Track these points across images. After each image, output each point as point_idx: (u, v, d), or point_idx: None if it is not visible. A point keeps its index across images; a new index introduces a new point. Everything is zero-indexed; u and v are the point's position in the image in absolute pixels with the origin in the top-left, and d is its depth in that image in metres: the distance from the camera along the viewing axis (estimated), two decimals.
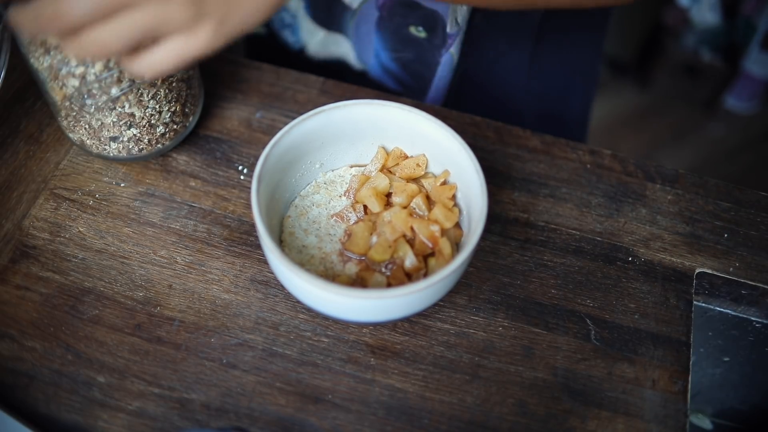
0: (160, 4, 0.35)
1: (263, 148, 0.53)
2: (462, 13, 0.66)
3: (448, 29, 0.67)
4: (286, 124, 0.56)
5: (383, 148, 0.57)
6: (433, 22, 0.67)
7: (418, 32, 0.69)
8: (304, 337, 0.52)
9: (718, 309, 0.62)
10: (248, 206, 0.58)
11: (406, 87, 0.75)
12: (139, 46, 0.36)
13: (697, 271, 0.58)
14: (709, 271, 0.58)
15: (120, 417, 0.48)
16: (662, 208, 0.61)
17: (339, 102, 0.53)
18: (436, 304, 0.54)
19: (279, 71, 0.67)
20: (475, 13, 0.67)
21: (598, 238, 0.59)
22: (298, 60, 0.78)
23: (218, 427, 0.48)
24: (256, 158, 0.60)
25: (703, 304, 0.61)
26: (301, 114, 0.53)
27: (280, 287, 0.54)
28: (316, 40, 0.76)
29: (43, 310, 0.52)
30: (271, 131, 0.63)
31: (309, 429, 0.49)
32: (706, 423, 0.77)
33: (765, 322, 0.61)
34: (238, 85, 0.66)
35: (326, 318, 0.53)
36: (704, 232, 0.60)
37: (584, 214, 0.60)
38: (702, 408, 0.77)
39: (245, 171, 0.60)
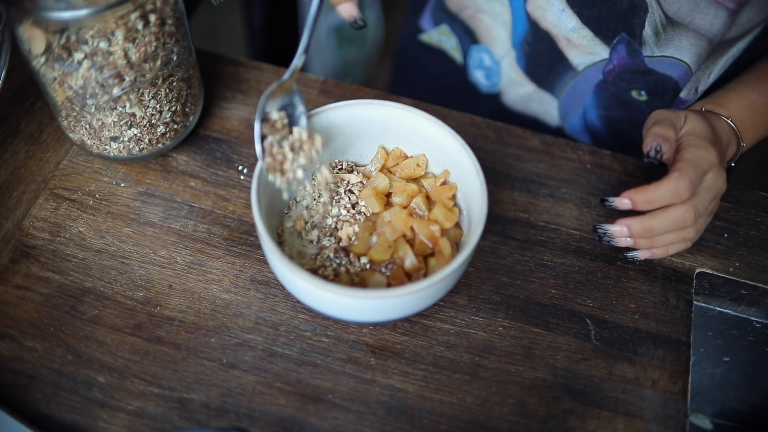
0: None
1: None
2: (706, 82, 0.67)
3: (682, 95, 0.68)
4: None
5: (383, 148, 0.57)
6: (662, 87, 0.68)
7: (639, 96, 0.70)
8: (304, 337, 0.52)
9: (718, 309, 0.62)
10: (248, 206, 0.58)
11: (600, 143, 0.77)
12: None
13: (697, 271, 0.58)
14: (709, 271, 0.58)
15: (120, 417, 0.48)
16: None
17: (339, 102, 0.53)
18: (436, 304, 0.54)
19: (279, 71, 0.67)
20: (724, 80, 0.68)
21: (598, 238, 0.59)
22: (482, 100, 0.80)
23: (218, 427, 0.48)
24: (256, 158, 0.60)
25: (703, 304, 0.61)
26: None
27: (280, 287, 0.54)
28: (520, 93, 0.77)
29: (43, 310, 0.52)
30: None
31: (309, 429, 0.49)
32: (706, 423, 0.77)
33: (765, 322, 0.61)
34: (238, 85, 0.66)
35: (326, 318, 0.53)
36: (704, 232, 0.60)
37: (584, 214, 0.60)
38: (702, 408, 0.77)
39: (245, 171, 0.60)
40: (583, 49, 0.67)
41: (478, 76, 0.79)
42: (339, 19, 1.37)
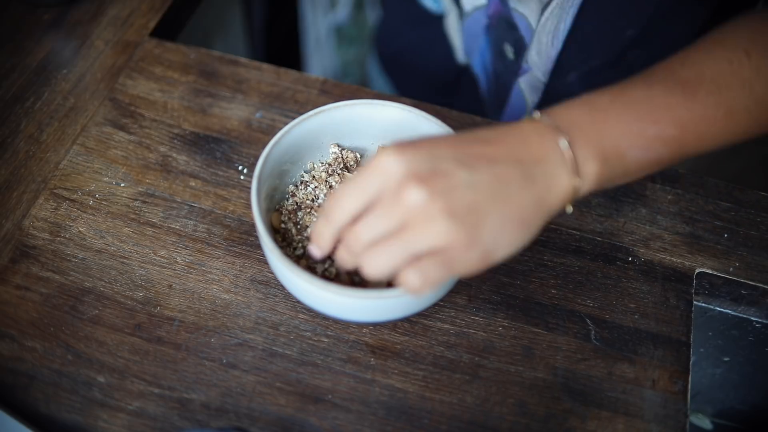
0: (420, 221, 0.37)
1: (263, 148, 0.53)
2: (541, 48, 0.67)
3: (524, 63, 0.68)
4: (286, 124, 0.56)
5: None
6: (521, 48, 0.68)
7: (509, 53, 0.71)
8: (304, 337, 0.52)
9: (718, 309, 0.62)
10: (248, 206, 0.58)
11: (490, 96, 0.78)
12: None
13: (697, 271, 0.58)
14: (709, 271, 0.58)
15: (120, 417, 0.48)
16: (662, 208, 0.61)
17: (339, 102, 0.53)
18: (436, 304, 0.54)
19: (279, 71, 0.67)
20: (566, 70, 0.68)
21: (598, 238, 0.59)
22: (433, 23, 0.82)
23: (218, 427, 0.48)
24: (256, 158, 0.60)
25: (703, 304, 0.61)
26: (301, 114, 0.53)
27: (280, 287, 0.54)
28: (449, 20, 0.79)
29: (43, 310, 0.52)
30: (271, 131, 0.63)
31: (309, 429, 0.49)
32: (706, 423, 0.77)
33: (765, 322, 0.61)
34: (238, 85, 0.66)
35: (326, 318, 0.53)
36: (704, 232, 0.60)
37: (584, 214, 0.60)
38: (702, 408, 0.77)
39: (245, 171, 0.60)
40: None
41: (428, 1, 0.81)
42: (339, 19, 1.37)
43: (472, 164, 0.38)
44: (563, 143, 0.40)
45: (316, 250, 0.42)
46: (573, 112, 0.42)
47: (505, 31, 0.70)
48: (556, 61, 0.67)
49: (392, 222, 0.37)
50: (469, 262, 0.38)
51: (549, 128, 0.40)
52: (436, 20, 0.82)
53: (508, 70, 0.73)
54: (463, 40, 0.78)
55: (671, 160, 0.44)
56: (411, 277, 0.38)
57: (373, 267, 0.38)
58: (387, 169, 0.37)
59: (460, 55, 0.81)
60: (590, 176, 0.41)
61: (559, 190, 0.40)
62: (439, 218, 0.36)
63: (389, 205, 0.37)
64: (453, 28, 0.80)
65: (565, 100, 0.43)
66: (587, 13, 0.62)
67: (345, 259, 0.41)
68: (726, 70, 0.44)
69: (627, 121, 0.42)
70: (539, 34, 0.65)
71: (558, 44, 0.65)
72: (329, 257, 0.52)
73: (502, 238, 0.38)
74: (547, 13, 0.63)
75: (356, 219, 0.39)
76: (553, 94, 0.71)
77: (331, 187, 0.55)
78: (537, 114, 0.41)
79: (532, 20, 0.66)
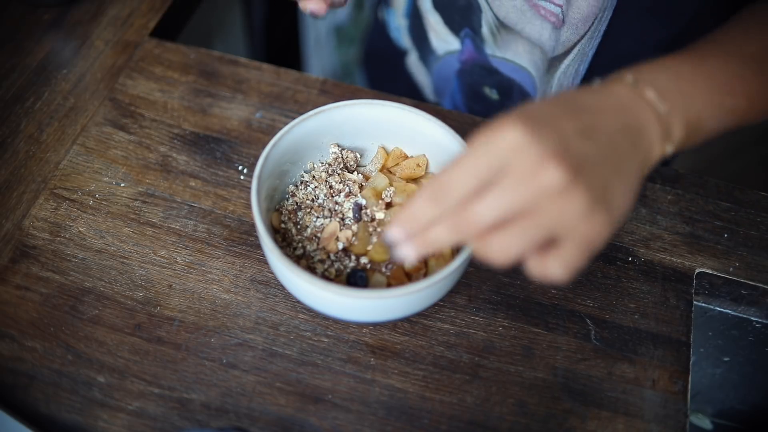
0: (558, 204, 0.34)
1: (263, 148, 0.53)
2: (550, 94, 0.67)
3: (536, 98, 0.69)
4: (286, 124, 0.56)
5: (383, 148, 0.57)
6: (509, 89, 0.69)
7: (491, 94, 0.71)
8: (304, 337, 0.52)
9: (718, 309, 0.62)
10: (248, 206, 0.58)
11: None
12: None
13: (697, 271, 0.58)
14: (709, 271, 0.58)
15: (120, 417, 0.48)
16: (662, 208, 0.61)
17: (339, 102, 0.53)
18: (436, 304, 0.54)
19: (279, 71, 0.67)
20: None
21: None
22: (399, 57, 0.82)
23: (218, 427, 0.48)
24: (256, 158, 0.60)
25: (703, 304, 0.61)
26: (301, 114, 0.53)
27: (280, 287, 0.54)
28: (411, 59, 0.79)
29: (43, 310, 0.52)
30: (271, 131, 0.63)
31: (309, 429, 0.49)
32: (706, 423, 0.77)
33: (765, 322, 0.61)
34: (238, 85, 0.66)
35: (326, 318, 0.53)
36: (704, 232, 0.60)
37: None
38: (702, 408, 0.77)
39: (245, 171, 0.60)
40: (439, 34, 0.71)
41: (396, 35, 0.81)
42: (339, 19, 1.37)
43: (595, 137, 0.36)
44: (661, 109, 0.39)
45: (400, 232, 0.37)
46: (658, 76, 0.41)
47: (482, 76, 0.71)
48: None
49: (523, 202, 0.34)
50: (605, 237, 0.36)
51: (644, 92, 0.40)
52: (403, 55, 0.82)
53: (491, 109, 0.74)
54: (432, 81, 0.78)
55: (731, 129, 0.45)
56: (554, 268, 0.35)
57: (502, 250, 0.35)
58: (516, 146, 0.34)
59: (429, 93, 0.81)
60: (677, 142, 0.41)
61: (655, 154, 0.40)
62: (582, 199, 0.34)
63: (521, 184, 0.34)
64: (416, 66, 0.80)
65: (643, 62, 0.42)
66: (610, 41, 0.62)
67: (441, 239, 0.36)
68: None
69: (709, 92, 0.42)
70: (560, 78, 0.66)
71: (579, 77, 0.66)
72: (329, 258, 0.52)
73: (624, 209, 0.37)
74: (567, 61, 0.63)
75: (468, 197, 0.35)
76: None
77: (331, 187, 0.55)
78: (629, 77, 0.40)
79: (525, 63, 0.66)
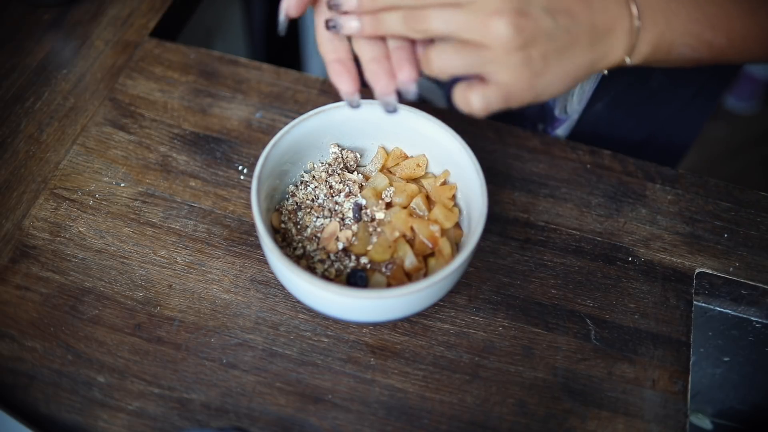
0: (495, 50, 0.39)
1: (263, 148, 0.53)
2: (571, 102, 0.68)
3: (556, 113, 0.69)
4: (286, 124, 0.56)
5: (383, 148, 0.57)
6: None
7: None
8: (304, 337, 0.52)
9: (718, 309, 0.62)
10: (248, 206, 0.58)
11: None
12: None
13: (697, 271, 0.58)
14: (709, 271, 0.58)
15: (120, 417, 0.48)
16: (662, 208, 0.61)
17: (339, 102, 0.53)
18: (436, 304, 0.54)
19: (279, 71, 0.67)
20: (592, 105, 0.68)
21: (598, 238, 0.59)
22: None
23: (218, 427, 0.48)
24: (256, 158, 0.60)
25: (703, 304, 0.61)
26: (301, 114, 0.53)
27: (280, 287, 0.54)
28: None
29: (43, 310, 0.52)
30: (271, 131, 0.63)
31: (309, 429, 0.49)
32: (706, 423, 0.77)
33: (765, 322, 0.61)
34: (238, 85, 0.66)
35: (326, 318, 0.53)
36: (704, 232, 0.60)
37: (584, 214, 0.60)
38: (702, 408, 0.77)
39: (245, 171, 0.60)
40: None
41: None
42: None
43: (557, 15, 0.40)
44: (636, 24, 0.42)
45: (354, 3, 0.41)
46: None
47: None
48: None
49: (470, 35, 0.39)
50: (522, 100, 0.41)
51: (629, 7, 0.42)
52: None
53: (524, 122, 0.73)
54: (445, 96, 0.77)
55: (703, 63, 0.46)
56: (475, 100, 0.40)
57: (443, 60, 0.40)
58: None
59: (439, 101, 0.81)
60: (638, 57, 0.44)
61: (611, 59, 0.43)
62: (515, 56, 0.39)
63: (475, 20, 0.38)
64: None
65: None
66: None
67: (391, 26, 0.41)
68: None
69: (693, 21, 0.44)
70: (578, 93, 0.66)
71: (591, 90, 0.66)
72: (329, 258, 0.52)
73: (553, 87, 0.41)
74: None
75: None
76: (585, 124, 0.72)
77: (331, 187, 0.55)
78: None
79: None
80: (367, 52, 0.45)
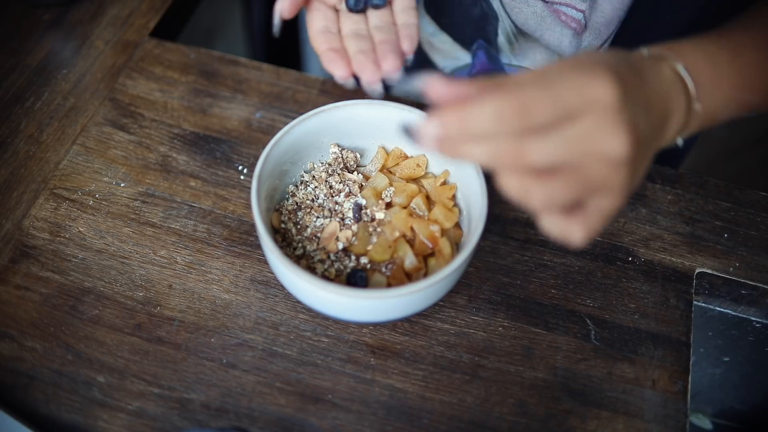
0: (607, 173, 0.33)
1: (263, 148, 0.53)
2: None
3: None
4: (286, 124, 0.56)
5: (383, 148, 0.57)
6: None
7: None
8: (304, 337, 0.52)
9: (718, 309, 0.62)
10: (248, 206, 0.58)
11: None
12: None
13: (697, 271, 0.58)
14: (709, 271, 0.58)
15: (120, 417, 0.48)
16: (662, 208, 0.61)
17: (339, 102, 0.53)
18: (436, 304, 0.54)
19: (279, 71, 0.67)
20: None
21: (598, 238, 0.59)
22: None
23: (218, 427, 0.48)
24: (256, 158, 0.60)
25: (703, 304, 0.61)
26: (301, 114, 0.53)
27: (280, 287, 0.54)
28: (405, 88, 0.78)
29: (43, 310, 0.52)
30: (271, 131, 0.63)
31: (309, 429, 0.49)
32: (706, 423, 0.77)
33: (765, 322, 0.61)
34: (238, 85, 0.66)
35: (326, 318, 0.53)
36: (704, 232, 0.60)
37: None
38: (702, 408, 0.77)
39: (245, 171, 0.60)
40: (446, 53, 0.70)
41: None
42: None
43: (650, 115, 0.36)
44: (696, 107, 0.40)
45: (437, 126, 0.32)
46: (700, 65, 0.40)
47: None
48: None
49: (579, 158, 0.32)
50: (618, 199, 0.35)
51: (685, 84, 0.39)
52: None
53: None
54: None
55: (735, 118, 0.45)
56: (577, 232, 0.35)
57: (542, 198, 0.33)
58: (604, 101, 0.32)
59: None
60: (687, 134, 0.41)
61: (669, 138, 0.40)
62: (628, 178, 0.34)
63: (586, 141, 0.32)
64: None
65: (686, 39, 0.41)
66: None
67: (476, 156, 0.32)
68: None
69: (735, 88, 0.42)
70: None
71: None
72: (329, 258, 0.52)
73: (638, 187, 0.39)
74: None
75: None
76: None
77: (331, 187, 0.55)
78: (680, 66, 0.39)
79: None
80: (354, 46, 0.47)
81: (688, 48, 0.41)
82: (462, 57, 0.68)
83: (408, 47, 0.49)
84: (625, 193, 0.35)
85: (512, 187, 0.33)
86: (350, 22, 0.50)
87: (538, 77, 0.32)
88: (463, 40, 0.67)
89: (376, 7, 0.50)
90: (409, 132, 0.34)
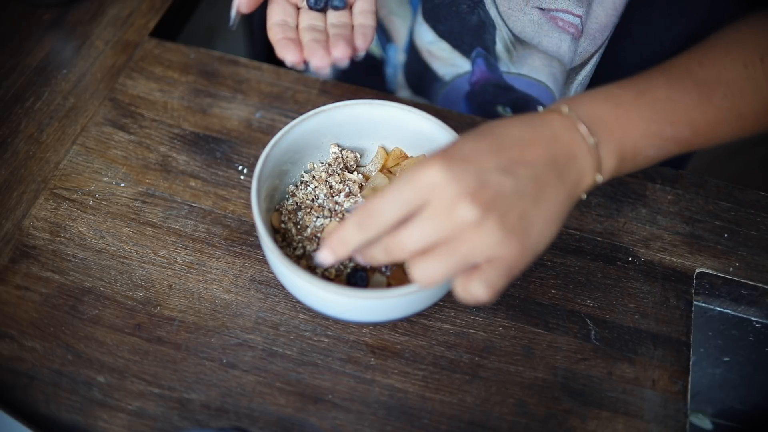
0: (473, 235, 0.37)
1: (263, 148, 0.53)
2: None
3: None
4: (286, 124, 0.56)
5: (383, 148, 0.57)
6: (524, 105, 0.69)
7: (505, 112, 0.71)
8: (304, 337, 0.52)
9: (718, 309, 0.62)
10: (248, 206, 0.58)
11: None
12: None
13: (697, 271, 0.58)
14: (709, 271, 0.58)
15: (120, 417, 0.48)
16: (662, 208, 0.61)
17: (339, 102, 0.53)
18: (436, 304, 0.54)
19: (279, 71, 0.67)
20: None
21: (598, 238, 0.59)
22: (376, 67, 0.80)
23: (218, 427, 0.48)
24: (256, 158, 0.60)
25: (703, 304, 0.61)
26: (301, 114, 0.53)
27: (280, 287, 0.54)
28: (401, 95, 0.78)
29: (43, 310, 0.52)
30: (271, 131, 0.63)
31: (309, 429, 0.49)
32: (706, 423, 0.77)
33: (765, 322, 0.61)
34: (238, 85, 0.66)
35: (326, 318, 0.53)
36: (704, 232, 0.60)
37: (584, 214, 0.60)
38: (702, 408, 0.77)
39: (245, 171, 0.60)
40: (445, 61, 0.70)
41: (389, 72, 0.80)
42: None
43: (515, 171, 0.38)
44: (591, 141, 0.41)
45: (330, 256, 0.40)
46: (598, 106, 0.43)
47: (495, 95, 0.70)
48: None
49: (443, 233, 0.37)
50: (524, 265, 0.39)
51: (576, 124, 0.41)
52: (379, 63, 0.80)
53: None
54: (441, 107, 0.78)
55: (675, 155, 0.46)
56: (476, 289, 0.38)
57: (427, 274, 0.38)
58: (435, 183, 0.37)
59: None
60: (608, 172, 0.43)
61: (585, 184, 0.42)
62: (495, 231, 0.37)
63: (439, 217, 0.37)
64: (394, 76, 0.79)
65: (587, 91, 0.44)
66: (613, 49, 0.62)
67: (378, 258, 0.40)
68: (741, 74, 0.45)
69: (648, 121, 0.43)
70: (577, 89, 0.66)
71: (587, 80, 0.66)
72: None
73: (545, 236, 0.40)
74: (585, 72, 0.63)
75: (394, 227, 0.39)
76: None
77: (331, 187, 0.55)
78: (564, 108, 0.42)
79: (543, 77, 0.65)
80: (308, 36, 0.49)
81: (586, 96, 0.43)
82: (461, 64, 0.68)
83: (361, 44, 0.50)
84: (512, 244, 0.38)
85: (413, 273, 0.39)
86: (308, 17, 0.51)
87: (391, 183, 0.39)
88: (462, 47, 0.67)
89: (336, 8, 0.51)
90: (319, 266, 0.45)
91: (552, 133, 0.41)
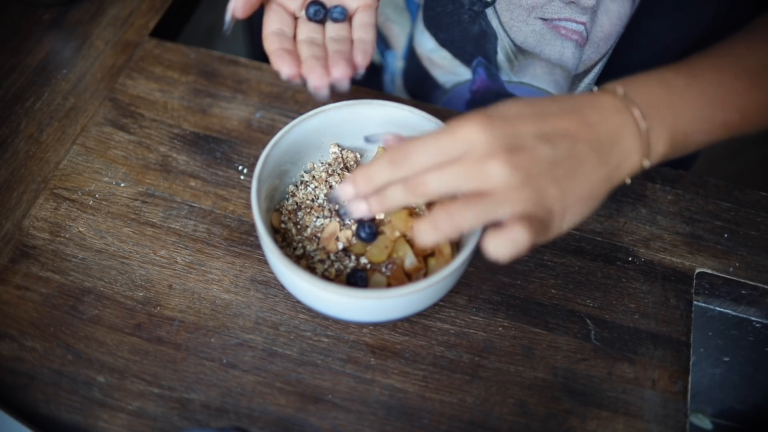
0: (501, 194, 0.37)
1: (263, 148, 0.53)
2: None
3: None
4: (286, 124, 0.56)
5: (383, 148, 0.57)
6: None
7: None
8: (304, 337, 0.52)
9: (718, 309, 0.62)
10: (248, 206, 0.58)
11: None
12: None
13: (697, 271, 0.58)
14: (709, 271, 0.58)
15: (120, 417, 0.48)
16: (662, 208, 0.61)
17: (339, 102, 0.53)
18: (436, 304, 0.54)
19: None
20: None
21: (598, 238, 0.59)
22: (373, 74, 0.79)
23: (218, 427, 0.48)
24: (256, 158, 0.60)
25: (703, 304, 0.61)
26: (301, 114, 0.53)
27: (280, 287, 0.54)
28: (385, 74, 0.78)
29: (43, 310, 0.52)
30: (271, 131, 0.63)
31: (309, 429, 0.49)
32: (706, 423, 0.77)
33: (765, 322, 0.61)
34: (238, 85, 0.66)
35: (326, 318, 0.53)
36: (704, 232, 0.60)
37: None
38: (702, 408, 0.77)
39: (245, 171, 0.60)
40: (446, 69, 0.69)
41: (387, 79, 0.79)
42: None
43: (554, 141, 0.38)
44: (643, 126, 0.40)
45: (352, 189, 0.40)
46: (651, 90, 0.42)
47: (496, 103, 0.70)
48: None
49: (469, 184, 0.38)
50: (547, 234, 0.39)
51: (628, 106, 0.41)
52: (377, 69, 0.80)
53: None
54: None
55: (722, 140, 0.46)
56: (501, 246, 0.38)
57: (453, 222, 0.38)
58: (473, 138, 0.38)
59: None
60: (657, 156, 0.42)
61: (628, 167, 0.41)
62: (522, 191, 0.37)
63: (470, 169, 0.37)
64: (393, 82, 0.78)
65: (641, 73, 0.43)
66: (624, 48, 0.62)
67: (393, 198, 0.40)
68: None
69: (700, 107, 0.43)
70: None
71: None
72: (329, 258, 0.52)
73: (575, 213, 0.40)
74: (588, 79, 0.63)
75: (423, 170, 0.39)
76: None
77: (331, 187, 0.55)
78: (620, 89, 0.41)
79: (545, 85, 0.65)
80: (307, 51, 0.48)
81: (640, 79, 0.43)
82: (462, 73, 0.68)
83: (361, 61, 0.49)
84: (539, 208, 0.38)
85: (441, 215, 0.38)
86: (307, 29, 0.50)
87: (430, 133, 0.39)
88: (463, 56, 0.67)
89: (335, 20, 0.50)
90: (336, 200, 0.42)
91: (601, 113, 0.40)
